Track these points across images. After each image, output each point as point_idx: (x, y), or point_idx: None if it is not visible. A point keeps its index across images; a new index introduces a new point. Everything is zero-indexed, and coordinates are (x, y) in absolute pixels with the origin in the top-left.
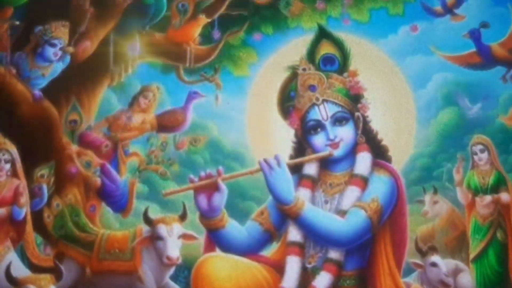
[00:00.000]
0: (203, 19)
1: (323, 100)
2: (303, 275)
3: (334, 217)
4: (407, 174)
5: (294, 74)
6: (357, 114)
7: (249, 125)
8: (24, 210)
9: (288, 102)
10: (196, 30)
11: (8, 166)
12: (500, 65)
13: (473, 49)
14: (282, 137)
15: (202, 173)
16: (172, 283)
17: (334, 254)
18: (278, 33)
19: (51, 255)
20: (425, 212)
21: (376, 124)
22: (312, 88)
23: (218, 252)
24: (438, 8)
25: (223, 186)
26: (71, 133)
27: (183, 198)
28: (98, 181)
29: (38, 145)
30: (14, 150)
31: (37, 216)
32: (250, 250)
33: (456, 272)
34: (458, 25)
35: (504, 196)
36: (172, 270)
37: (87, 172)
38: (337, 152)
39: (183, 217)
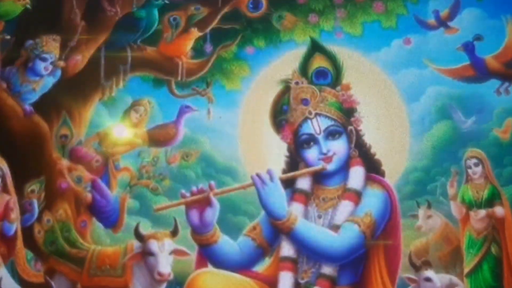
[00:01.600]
0: (195, 33)
1: (316, 114)
2: None
3: (327, 232)
4: (401, 188)
5: (286, 88)
6: (350, 128)
7: (241, 139)
8: (14, 226)
9: (280, 116)
10: (188, 44)
11: None
12: (494, 78)
13: (467, 62)
14: (274, 151)
15: (194, 188)
16: None
17: (327, 270)
18: (271, 47)
19: (41, 271)
20: (418, 227)
21: (369, 138)
22: (304, 101)
23: (210, 268)
24: (432, 21)
25: (215, 201)
26: (61, 148)
27: (175, 213)
28: (89, 196)
29: (28, 160)
30: (4, 165)
31: (27, 232)
32: (243, 266)
33: (450, 287)
34: (451, 38)
35: (498, 210)
36: (163, 286)
37: (78, 188)
38: (330, 166)
39: (174, 233)
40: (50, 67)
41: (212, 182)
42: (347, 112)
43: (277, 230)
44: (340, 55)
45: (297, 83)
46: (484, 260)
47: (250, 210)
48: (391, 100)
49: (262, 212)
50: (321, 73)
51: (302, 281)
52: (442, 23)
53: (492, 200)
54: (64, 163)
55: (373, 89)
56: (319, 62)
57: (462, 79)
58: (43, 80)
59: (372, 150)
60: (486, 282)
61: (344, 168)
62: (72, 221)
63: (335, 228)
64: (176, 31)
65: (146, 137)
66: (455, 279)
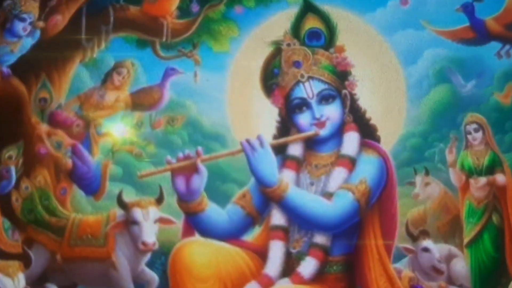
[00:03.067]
0: None
1: (309, 77)
2: (287, 261)
3: (320, 199)
4: (397, 155)
5: (277, 50)
6: (344, 91)
7: (230, 104)
8: None
9: (271, 79)
10: (174, 3)
11: None
12: (495, 40)
13: (467, 24)
14: (265, 116)
15: (180, 154)
16: (148, 270)
17: (320, 239)
18: (261, 7)
19: (19, 240)
20: (416, 195)
21: (364, 102)
22: (296, 64)
23: (197, 237)
24: None
25: (202, 167)
26: (40, 112)
27: (160, 180)
28: (69, 162)
29: (5, 125)
30: None
31: (4, 200)
32: (231, 235)
33: (449, 257)
34: None
35: (499, 178)
36: (148, 257)
37: (58, 153)
38: (323, 132)
39: (159, 201)
40: (29, 28)
41: (200, 148)
42: (341, 75)
43: (268, 198)
44: (334, 16)
45: (288, 44)
46: (485, 229)
47: (239, 177)
48: (387, 63)
49: (252, 179)
50: (314, 35)
51: (293, 251)
52: None
53: (493, 167)
54: (43, 127)
55: (368, 51)
56: (312, 22)
57: (461, 42)
58: (22, 41)
59: (367, 115)
60: (487, 253)
61: (337, 134)
62: (51, 188)
63: (328, 196)
64: None
65: (129, 101)
66: (454, 249)
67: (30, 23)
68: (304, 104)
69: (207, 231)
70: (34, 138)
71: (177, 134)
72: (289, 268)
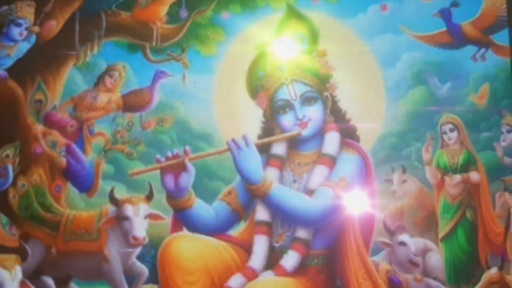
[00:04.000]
0: None
1: (292, 80)
2: (270, 254)
3: (302, 196)
4: (376, 153)
5: (262, 54)
6: (325, 93)
7: (216, 105)
8: None
9: (256, 81)
10: (163, 9)
11: None
12: (471, 44)
13: (444, 28)
14: (250, 117)
15: (169, 153)
16: (138, 263)
17: (302, 233)
18: (247, 12)
19: (16, 235)
20: (393, 191)
21: (344, 104)
22: (281, 67)
23: (185, 232)
24: None
25: (190, 166)
26: (36, 113)
27: (150, 178)
28: (63, 161)
29: (3, 125)
30: None
31: (2, 197)
32: (218, 230)
33: (425, 251)
34: (428, 4)
35: (473, 176)
36: (138, 250)
37: (52, 152)
38: (305, 132)
39: (149, 197)
40: (25, 33)
41: (187, 147)
42: (323, 78)
43: (252, 194)
44: (316, 21)
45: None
46: (459, 224)
47: (226, 175)
48: (366, 66)
49: (238, 177)
50: (297, 39)
51: (276, 245)
52: None
53: (468, 165)
54: (39, 128)
55: (348, 55)
56: (295, 27)
57: (438, 45)
58: (18, 45)
59: (347, 116)
60: (461, 247)
61: (319, 134)
62: (46, 185)
63: (310, 192)
64: None
65: (121, 102)
66: (430, 243)
67: (26, 28)
68: (287, 106)
69: (195, 227)
70: (30, 138)
71: (166, 134)
72: (272, 261)
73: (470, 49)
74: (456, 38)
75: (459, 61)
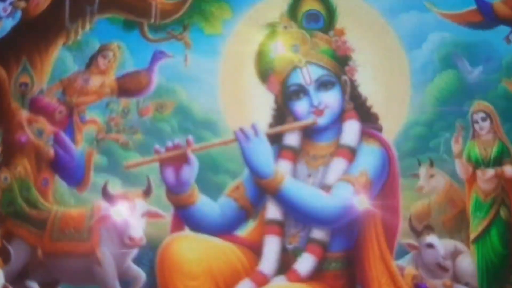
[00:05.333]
0: None
1: (306, 62)
2: (283, 257)
3: (318, 192)
4: (400, 145)
5: (273, 33)
6: (344, 77)
7: (222, 90)
8: None
9: (266, 64)
10: None
11: None
12: (503, 24)
13: (474, 6)
14: (260, 103)
15: (169, 143)
16: (134, 266)
17: (317, 234)
18: None
19: None
20: (420, 187)
21: (365, 89)
22: (294, 48)
23: (187, 232)
24: None
25: (193, 158)
26: (21, 97)
27: (148, 171)
28: (51, 151)
29: None
30: None
31: None
32: (224, 229)
33: (455, 254)
34: None
35: (508, 169)
36: (134, 252)
37: (39, 141)
38: (321, 120)
39: (147, 193)
40: (9, 8)
41: (190, 137)
42: (341, 60)
43: (262, 190)
44: None
45: (285, 27)
46: (493, 224)
47: (233, 168)
48: (389, 47)
49: (246, 171)
50: (312, 16)
51: (289, 246)
52: None
53: (501, 158)
54: (24, 114)
55: (369, 35)
56: (310, 4)
57: (468, 25)
58: (1, 22)
59: (369, 103)
60: (494, 249)
61: (337, 122)
62: (32, 178)
63: (327, 188)
64: None
65: (115, 86)
66: (460, 245)
67: (11, 3)
68: (301, 91)
69: (198, 225)
70: (14, 125)
71: (166, 121)
72: (285, 264)
73: (503, 29)
74: (487, 17)
75: (491, 42)
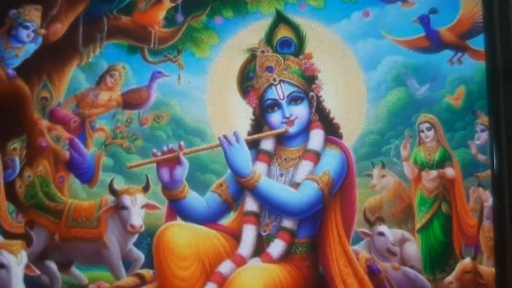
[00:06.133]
0: (168, 4)
1: (280, 81)
2: (258, 242)
3: (288, 189)
4: (357, 150)
5: (253, 56)
6: (311, 94)
7: (210, 103)
8: None
9: (247, 82)
10: (161, 14)
11: None
12: (448, 48)
13: (423, 34)
14: (241, 114)
15: (165, 148)
16: (135, 249)
17: (287, 223)
18: (238, 17)
19: (22, 222)
20: (373, 185)
21: (329, 103)
22: (269, 69)
23: (178, 221)
24: None
25: (184, 160)
26: (42, 109)
27: (147, 170)
28: (66, 154)
29: (11, 121)
30: None
31: (9, 186)
32: (209, 219)
33: (402, 241)
34: (408, 11)
35: (449, 171)
36: (135, 237)
37: (57, 146)
38: (292, 129)
39: (146, 189)
40: (32, 35)
41: (182, 143)
42: (309, 79)
43: (242, 187)
44: (303, 26)
45: (262, 51)
46: (435, 217)
47: (217, 168)
48: (350, 69)
49: (228, 171)
50: (285, 43)
51: (264, 234)
52: None
53: (443, 161)
54: (44, 123)
55: (333, 58)
56: (283, 32)
57: (417, 50)
58: (26, 46)
59: (331, 115)
60: (436, 238)
61: (305, 131)
62: (51, 176)
63: (296, 185)
64: (150, 2)
65: (121, 100)
66: (407, 234)
67: (33, 31)
68: (275, 105)
69: (188, 216)
70: (36, 133)
71: (162, 130)
72: (260, 248)
73: (447, 53)
74: (434, 43)
75: (437, 64)
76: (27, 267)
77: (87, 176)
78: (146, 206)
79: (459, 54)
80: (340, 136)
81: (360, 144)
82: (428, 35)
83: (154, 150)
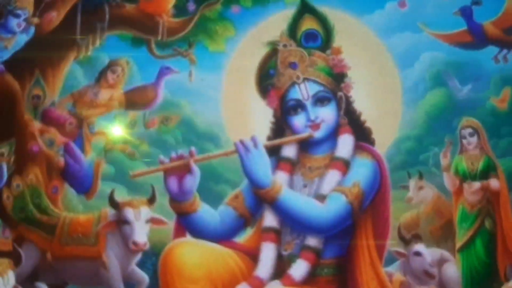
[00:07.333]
0: None
1: (304, 79)
2: (278, 263)
3: (313, 202)
4: (391, 158)
5: (273, 51)
6: (339, 94)
7: (224, 104)
8: None
9: (266, 80)
10: (170, 1)
11: None
12: (493, 44)
13: (464, 28)
14: (259, 117)
15: (173, 154)
16: (138, 270)
17: (312, 241)
18: (258, 6)
19: (10, 238)
20: (409, 199)
21: (359, 105)
22: (292, 65)
23: (188, 238)
24: None
25: (195, 168)
26: (33, 109)
27: (152, 180)
28: (61, 160)
29: None
30: None
31: None
32: (223, 236)
33: (441, 262)
34: (448, 2)
35: (493, 183)
36: (138, 257)
37: (50, 151)
38: (317, 134)
39: (151, 201)
40: (23, 24)
41: (193, 148)
42: (337, 77)
43: (260, 199)
44: (331, 17)
45: (285, 45)
46: (478, 234)
47: (232, 178)
48: (383, 66)
49: (245, 181)
50: (310, 36)
51: (285, 253)
52: None
53: (487, 172)
54: (36, 125)
55: (365, 53)
56: (308, 23)
57: (458, 45)
58: (16, 37)
59: (362, 118)
60: (479, 258)
61: (332, 136)
62: (43, 186)
63: (321, 198)
64: None
65: (123, 99)
66: (446, 254)
67: (25, 19)
68: (299, 106)
69: (199, 232)
70: (26, 136)
71: (171, 133)
72: (280, 270)
73: (492, 49)
74: (477, 38)
75: (480, 62)
76: None
77: (84, 186)
78: (152, 220)
79: (505, 51)
80: (372, 142)
81: (394, 151)
82: (471, 28)
83: (161, 157)
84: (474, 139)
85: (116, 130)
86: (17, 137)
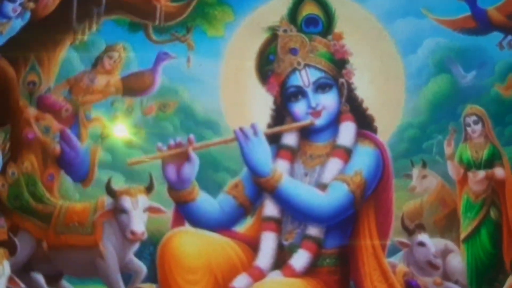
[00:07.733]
0: None
1: (305, 65)
2: (279, 253)
3: (314, 191)
4: (394, 146)
5: (273, 36)
6: (341, 80)
7: (223, 90)
8: None
9: (266, 66)
10: None
11: None
12: (497, 30)
13: (468, 13)
14: (259, 104)
15: (171, 142)
16: (136, 260)
17: (313, 231)
18: None
19: (5, 227)
20: (412, 187)
21: (361, 92)
22: (293, 51)
23: (187, 227)
24: None
25: (194, 156)
26: (29, 95)
27: (150, 168)
28: (57, 148)
29: None
30: None
31: None
32: (222, 225)
33: (445, 252)
34: None
35: (498, 172)
36: (136, 246)
37: (46, 138)
38: (319, 121)
39: (149, 189)
40: (19, 9)
41: (191, 136)
42: (339, 63)
43: (261, 188)
44: (332, 2)
45: (285, 31)
46: (483, 224)
47: (232, 166)
48: (386, 52)
49: (245, 169)
50: (311, 21)
51: (285, 243)
52: None
53: (492, 160)
54: (31, 111)
55: (367, 39)
56: (309, 8)
57: (462, 31)
58: (11, 22)
59: (364, 105)
60: (484, 248)
61: (333, 124)
62: (38, 174)
63: (323, 187)
64: None
65: (120, 85)
66: (450, 244)
67: (20, 4)
68: (299, 93)
69: (198, 221)
70: (21, 122)
71: (169, 120)
72: (281, 260)
73: (496, 35)
74: (481, 24)
75: (484, 48)
76: (9, 279)
77: (80, 174)
78: (149, 209)
79: (510, 37)
80: (374, 130)
81: (397, 139)
82: (475, 14)
83: (159, 144)
84: (478, 127)
85: (113, 116)
86: (12, 123)
